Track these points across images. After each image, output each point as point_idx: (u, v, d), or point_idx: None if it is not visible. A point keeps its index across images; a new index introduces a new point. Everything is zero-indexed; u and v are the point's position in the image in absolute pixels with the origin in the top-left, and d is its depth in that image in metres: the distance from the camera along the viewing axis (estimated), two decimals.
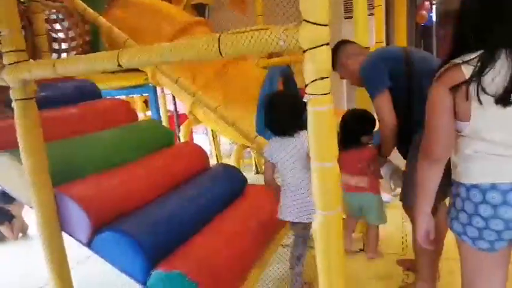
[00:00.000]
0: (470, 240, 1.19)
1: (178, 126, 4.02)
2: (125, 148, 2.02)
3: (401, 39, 4.39)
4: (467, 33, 1.15)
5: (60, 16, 2.85)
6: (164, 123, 4.02)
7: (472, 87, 1.09)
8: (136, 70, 3.30)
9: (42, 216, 1.53)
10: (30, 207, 1.65)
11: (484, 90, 1.08)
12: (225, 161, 3.97)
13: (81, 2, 2.56)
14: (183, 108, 4.52)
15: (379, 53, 2.09)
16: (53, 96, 2.13)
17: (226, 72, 2.94)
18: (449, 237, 1.48)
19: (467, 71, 1.11)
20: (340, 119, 2.31)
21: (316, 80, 1.05)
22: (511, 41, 1.10)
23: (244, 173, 2.42)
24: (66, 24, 2.87)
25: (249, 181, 2.40)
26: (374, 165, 2.22)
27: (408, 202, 1.87)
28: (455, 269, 1.84)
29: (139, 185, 1.83)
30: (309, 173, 1.13)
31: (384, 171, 2.29)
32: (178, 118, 4.21)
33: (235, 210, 2.02)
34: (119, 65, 1.26)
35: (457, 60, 1.13)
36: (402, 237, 2.58)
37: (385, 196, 2.92)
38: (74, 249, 1.66)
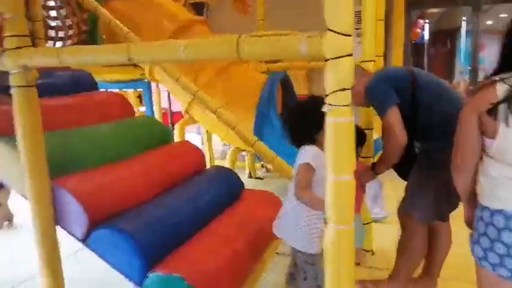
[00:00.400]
0: (490, 266, 1.17)
1: (172, 124, 3.95)
2: (123, 143, 1.96)
3: (397, 55, 4.44)
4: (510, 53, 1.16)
5: (58, 3, 2.76)
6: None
7: (503, 108, 1.08)
8: (133, 64, 3.23)
9: (37, 208, 1.47)
10: (24, 198, 1.58)
11: None
12: (217, 162, 3.92)
13: None
14: (177, 106, 4.46)
15: (385, 72, 2.07)
16: (47, 84, 2.05)
17: (228, 73, 2.90)
18: (463, 259, 1.46)
19: (502, 89, 1.10)
20: None
21: (337, 90, 1.03)
22: None
23: None
24: (63, 12, 2.78)
25: None
26: (362, 180, 2.05)
27: (411, 210, 1.89)
28: None
29: (137, 182, 1.78)
30: None
31: (371, 187, 2.23)
32: (172, 116, 4.14)
33: (233, 215, 1.98)
34: (129, 60, 1.21)
35: (495, 77, 1.13)
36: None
37: (382, 212, 2.92)
38: (65, 242, 1.59)
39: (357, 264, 2.32)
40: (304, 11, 4.81)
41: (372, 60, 2.35)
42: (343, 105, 1.03)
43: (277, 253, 2.30)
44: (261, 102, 2.96)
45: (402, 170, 1.98)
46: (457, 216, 1.70)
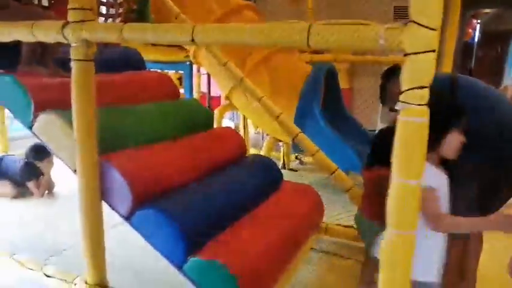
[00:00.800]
0: None
1: (210, 109, 3.94)
2: (169, 124, 1.96)
3: (449, 54, 4.23)
4: None
5: None
6: None
7: None
8: (178, 46, 3.22)
9: (84, 182, 1.48)
10: (71, 170, 1.61)
11: None
12: (251, 150, 3.89)
13: None
14: (216, 91, 4.45)
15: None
16: (98, 60, 2.06)
17: (273, 60, 2.84)
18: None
19: None
20: None
21: (414, 88, 0.96)
22: None
23: None
24: None
25: None
26: None
27: None
28: None
29: (181, 164, 1.77)
30: None
31: None
32: (210, 100, 4.13)
33: (273, 205, 1.95)
34: (192, 40, 1.18)
35: None
36: None
37: None
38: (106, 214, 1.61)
39: None
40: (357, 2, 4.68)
41: None
42: (419, 104, 0.96)
43: (311, 249, 2.27)
44: (304, 93, 2.90)
45: None
46: None
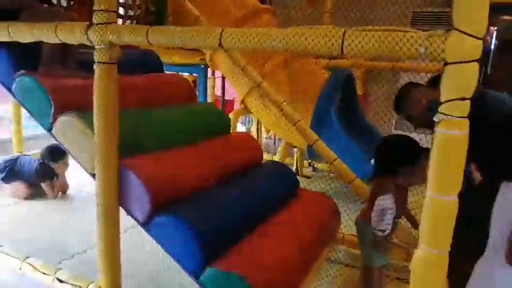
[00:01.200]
0: None
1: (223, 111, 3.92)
2: (187, 129, 1.93)
3: None
4: None
5: None
6: None
7: None
8: (194, 48, 3.20)
9: (103, 186, 1.45)
10: (88, 173, 1.58)
11: None
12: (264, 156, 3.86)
13: None
14: (230, 95, 4.44)
15: None
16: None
17: (292, 64, 2.81)
18: None
19: None
20: None
21: (455, 99, 0.91)
22: None
23: None
24: None
25: None
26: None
27: None
28: None
29: (199, 170, 1.74)
30: None
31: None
32: (224, 104, 4.11)
33: (291, 215, 1.90)
34: (219, 45, 1.15)
35: None
36: None
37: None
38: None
39: None
40: (373, 4, 4.63)
41: None
42: (459, 117, 0.92)
43: (328, 260, 2.22)
44: (322, 99, 2.86)
45: None
46: None
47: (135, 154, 1.60)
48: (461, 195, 0.96)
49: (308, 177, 3.85)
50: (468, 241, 1.34)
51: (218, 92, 4.34)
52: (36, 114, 1.70)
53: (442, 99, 0.93)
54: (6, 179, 3.04)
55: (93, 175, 1.52)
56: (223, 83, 4.08)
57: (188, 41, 1.18)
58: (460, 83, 0.91)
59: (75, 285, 1.75)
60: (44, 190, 3.02)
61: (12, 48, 1.74)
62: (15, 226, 2.58)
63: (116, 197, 1.49)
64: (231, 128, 3.09)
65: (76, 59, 1.92)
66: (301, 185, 2.34)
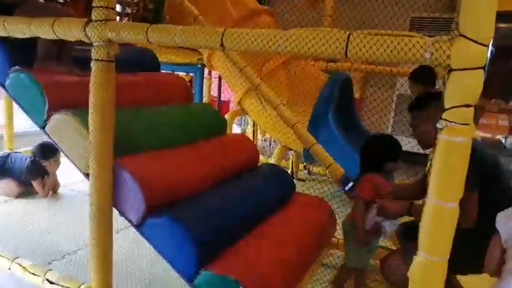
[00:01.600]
0: None
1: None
2: (184, 129, 1.91)
3: None
4: None
5: None
6: None
7: None
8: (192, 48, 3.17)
9: (97, 186, 1.42)
10: (81, 172, 1.55)
11: None
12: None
13: None
14: (226, 95, 4.42)
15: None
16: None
17: (291, 65, 2.80)
18: None
19: None
20: None
21: (459, 106, 0.90)
22: None
23: None
24: None
25: None
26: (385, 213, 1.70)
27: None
28: None
29: (195, 171, 1.72)
30: None
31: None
32: (220, 104, 4.08)
33: (286, 218, 1.89)
34: (221, 45, 1.13)
35: None
36: None
37: None
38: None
39: None
40: (373, 8, 4.63)
41: None
42: (463, 124, 0.91)
43: (323, 265, 2.20)
44: (320, 101, 2.85)
45: None
46: None
47: (130, 153, 1.57)
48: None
49: (303, 181, 3.84)
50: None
51: (214, 93, 4.31)
52: (30, 111, 1.66)
53: (446, 105, 0.92)
54: None
55: (87, 175, 1.49)
56: (219, 83, 4.06)
57: (189, 40, 1.16)
58: (464, 89, 0.90)
59: (65, 286, 1.71)
60: (35, 188, 2.97)
61: (7, 43, 1.70)
62: (4, 225, 2.52)
63: (110, 198, 1.46)
64: (227, 129, 3.08)
65: (73, 56, 1.89)
66: (297, 188, 2.33)
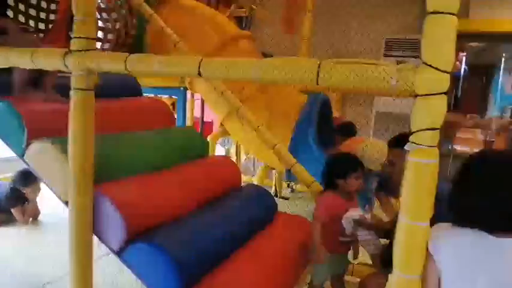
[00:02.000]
0: None
1: (201, 134, 3.92)
2: (165, 153, 1.92)
3: None
4: None
5: (110, 6, 2.78)
6: None
7: None
8: None
9: (77, 215, 1.41)
10: (65, 203, 1.54)
11: None
12: (242, 177, 3.86)
13: None
14: (209, 116, 4.44)
15: None
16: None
17: (269, 88, 2.86)
18: None
19: None
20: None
21: (425, 129, 0.95)
22: None
23: None
24: (114, 15, 2.80)
25: None
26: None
27: None
28: None
29: (177, 195, 1.73)
30: None
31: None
32: (203, 126, 4.11)
33: (269, 238, 1.90)
34: (199, 73, 1.17)
35: None
36: None
37: None
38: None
39: None
40: (348, 33, 4.80)
41: None
42: (429, 146, 0.96)
43: (307, 284, 2.20)
44: (300, 122, 2.90)
45: None
46: None
47: (109, 180, 1.57)
48: None
49: (286, 199, 3.86)
50: None
51: (197, 114, 4.34)
52: (9, 139, 1.65)
53: (413, 129, 0.97)
54: None
55: (67, 202, 1.48)
56: (202, 105, 4.10)
57: (167, 69, 1.19)
58: (429, 114, 0.95)
59: None
60: (15, 216, 2.91)
61: None
62: None
63: (90, 226, 1.45)
64: (210, 151, 3.10)
65: (54, 83, 1.90)
66: (280, 207, 2.35)
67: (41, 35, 2.43)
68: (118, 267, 2.19)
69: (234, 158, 3.90)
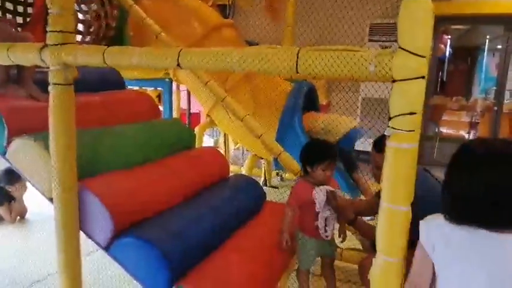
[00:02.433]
0: None
1: (189, 125, 3.90)
2: (150, 146, 1.91)
3: None
4: None
5: None
6: None
7: None
8: None
9: (61, 211, 1.41)
10: (45, 197, 1.53)
11: None
12: (231, 167, 3.86)
13: None
14: (196, 107, 4.42)
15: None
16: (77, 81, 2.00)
17: (255, 77, 2.84)
18: None
19: None
20: None
21: (404, 114, 0.96)
22: None
23: None
24: (94, 6, 2.74)
25: None
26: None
27: None
28: None
29: (163, 188, 1.72)
30: None
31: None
32: (190, 117, 4.09)
33: (256, 229, 1.91)
34: (178, 65, 1.16)
35: None
36: None
37: None
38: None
39: None
40: (332, 19, 4.78)
41: None
42: (408, 130, 0.97)
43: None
44: (286, 110, 2.91)
45: None
46: None
47: (94, 174, 1.56)
48: None
49: (276, 188, 3.88)
50: None
51: (184, 105, 4.32)
52: None
53: (391, 114, 0.97)
54: None
55: (51, 199, 1.47)
56: (188, 96, 4.07)
57: (146, 61, 1.18)
58: (407, 98, 0.95)
59: None
60: (1, 215, 2.88)
61: None
62: None
63: (76, 221, 1.44)
64: (197, 142, 3.09)
65: (35, 78, 1.86)
66: (270, 195, 2.36)
67: (19, 29, 2.38)
68: (106, 263, 2.20)
69: (222, 149, 3.89)
